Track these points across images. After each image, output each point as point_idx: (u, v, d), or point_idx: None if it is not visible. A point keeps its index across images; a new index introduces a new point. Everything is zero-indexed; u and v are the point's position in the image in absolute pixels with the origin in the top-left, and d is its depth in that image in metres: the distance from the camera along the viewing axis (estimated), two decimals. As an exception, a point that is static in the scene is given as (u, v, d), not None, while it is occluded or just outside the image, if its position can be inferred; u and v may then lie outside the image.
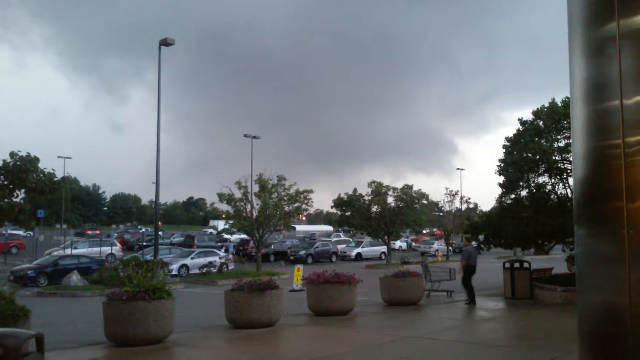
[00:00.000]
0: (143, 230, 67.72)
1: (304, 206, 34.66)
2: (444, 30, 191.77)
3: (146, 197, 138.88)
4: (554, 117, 19.74)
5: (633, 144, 4.80)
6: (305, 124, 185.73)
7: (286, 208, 33.96)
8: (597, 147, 5.16)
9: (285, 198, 33.56)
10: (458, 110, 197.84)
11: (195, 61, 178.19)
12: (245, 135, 43.51)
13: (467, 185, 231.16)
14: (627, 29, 4.47)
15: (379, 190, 39.99)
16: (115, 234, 64.52)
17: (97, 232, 70.14)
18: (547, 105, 20.35)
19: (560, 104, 19.85)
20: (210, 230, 77.41)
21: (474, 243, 19.86)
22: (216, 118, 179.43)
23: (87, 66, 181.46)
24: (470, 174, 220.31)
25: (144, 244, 46.12)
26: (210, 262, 31.19)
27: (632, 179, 4.87)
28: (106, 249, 42.34)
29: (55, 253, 37.49)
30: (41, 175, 12.05)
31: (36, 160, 11.96)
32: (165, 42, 25.50)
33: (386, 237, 40.59)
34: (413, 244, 64.23)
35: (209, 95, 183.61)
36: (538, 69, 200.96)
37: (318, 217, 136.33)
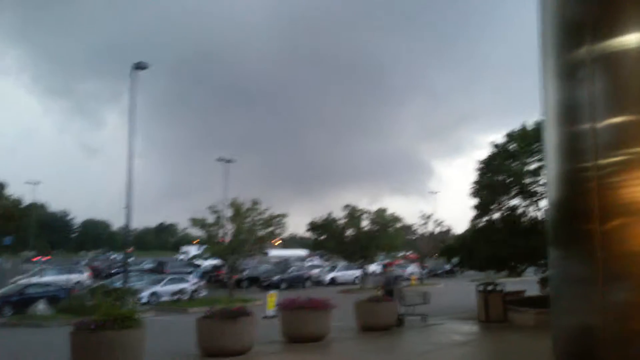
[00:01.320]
0: (114, 256, 66.17)
1: (277, 231, 34.36)
2: (420, 55, 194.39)
3: (118, 222, 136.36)
4: (525, 140, 19.98)
5: (605, 166, 4.82)
6: (283, 148, 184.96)
7: (260, 233, 33.61)
8: (570, 170, 5.18)
9: (259, 222, 33.24)
10: (434, 134, 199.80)
11: (173, 85, 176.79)
12: (219, 159, 43.17)
13: (442, 208, 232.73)
14: (598, 53, 4.52)
15: (353, 214, 40.00)
16: (85, 261, 62.91)
17: (44, 259, 66.85)
18: (518, 128, 20.61)
19: (530, 128, 20.10)
20: (182, 256, 76.17)
21: (393, 269, 20.14)
22: (192, 143, 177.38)
23: (61, 89, 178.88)
24: (446, 197, 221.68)
25: (113, 271, 45.11)
26: (180, 289, 30.60)
27: (605, 201, 4.88)
28: (75, 276, 41.30)
29: (22, 281, 36.41)
30: (7, 201, 11.74)
31: (1, 186, 11.66)
32: (139, 66, 25.31)
33: (361, 260, 40.50)
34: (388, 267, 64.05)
35: (186, 120, 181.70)
36: (512, 92, 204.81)
37: (292, 241, 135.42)
